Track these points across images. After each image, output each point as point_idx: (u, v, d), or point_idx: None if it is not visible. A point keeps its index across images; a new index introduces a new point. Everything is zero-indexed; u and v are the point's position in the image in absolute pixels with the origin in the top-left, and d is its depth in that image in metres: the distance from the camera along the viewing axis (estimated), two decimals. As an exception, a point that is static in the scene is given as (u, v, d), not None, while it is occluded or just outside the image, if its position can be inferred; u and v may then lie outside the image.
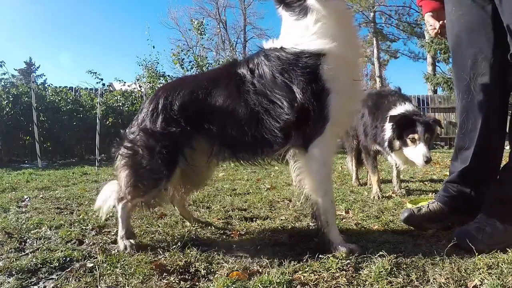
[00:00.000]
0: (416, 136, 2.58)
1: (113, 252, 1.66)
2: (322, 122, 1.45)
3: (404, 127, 2.62)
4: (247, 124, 1.54)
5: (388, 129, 2.74)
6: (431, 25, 2.11)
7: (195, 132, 1.66)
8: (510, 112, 1.73)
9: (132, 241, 1.69)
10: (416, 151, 2.58)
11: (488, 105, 1.80)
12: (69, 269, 1.45)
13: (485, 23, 1.75)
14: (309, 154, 1.50)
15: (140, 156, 1.66)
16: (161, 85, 8.23)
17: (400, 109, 2.76)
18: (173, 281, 1.32)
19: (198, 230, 2.01)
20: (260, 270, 1.39)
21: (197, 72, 10.06)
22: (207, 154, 1.71)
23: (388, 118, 2.71)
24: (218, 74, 1.77)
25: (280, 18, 1.62)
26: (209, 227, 2.07)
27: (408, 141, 2.62)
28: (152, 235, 1.90)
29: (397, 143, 2.71)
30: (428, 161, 2.56)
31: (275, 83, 1.49)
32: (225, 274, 1.36)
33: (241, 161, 1.71)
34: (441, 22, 2.05)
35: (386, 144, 2.79)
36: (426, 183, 3.68)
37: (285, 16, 1.57)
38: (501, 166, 1.86)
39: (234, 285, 1.25)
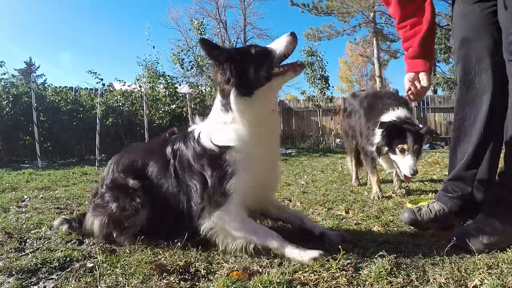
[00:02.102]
0: (405, 146, 2.57)
1: (113, 251, 1.66)
2: (222, 200, 1.58)
3: (394, 135, 2.61)
4: (172, 200, 1.73)
5: (377, 135, 2.73)
6: (406, 88, 2.00)
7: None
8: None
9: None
10: (404, 162, 2.58)
11: (490, 101, 1.80)
12: (69, 269, 1.45)
13: (490, 21, 1.75)
14: (217, 218, 1.59)
15: (109, 206, 1.79)
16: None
17: (392, 115, 2.74)
18: (173, 281, 1.32)
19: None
20: (260, 270, 1.39)
21: (197, 72, 10.09)
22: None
23: (378, 123, 2.69)
24: (154, 148, 1.94)
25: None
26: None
27: (397, 150, 2.61)
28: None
29: (385, 149, 2.70)
30: (414, 173, 2.55)
31: (190, 170, 1.69)
32: (225, 274, 1.36)
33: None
34: (416, 87, 1.93)
35: (374, 148, 2.80)
36: (426, 183, 3.68)
37: (217, 101, 1.68)
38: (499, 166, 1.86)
39: (234, 285, 1.25)
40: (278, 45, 1.61)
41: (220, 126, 1.62)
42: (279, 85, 1.68)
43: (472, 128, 1.86)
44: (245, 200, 1.62)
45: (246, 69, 1.56)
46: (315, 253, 1.45)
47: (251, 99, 1.55)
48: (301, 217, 1.84)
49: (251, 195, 1.65)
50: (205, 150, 1.64)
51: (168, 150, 1.79)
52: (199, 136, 1.69)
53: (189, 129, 1.78)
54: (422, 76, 1.88)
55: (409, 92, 1.98)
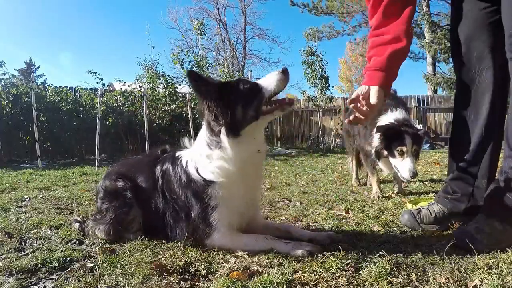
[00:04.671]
0: (404, 148, 2.55)
1: (113, 251, 1.66)
2: (210, 224, 1.65)
3: (392, 138, 2.60)
4: (159, 216, 1.79)
5: (375, 139, 2.72)
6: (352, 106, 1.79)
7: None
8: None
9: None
10: (403, 164, 2.56)
11: (490, 100, 1.80)
12: (69, 269, 1.45)
13: (489, 20, 1.75)
14: (209, 244, 1.65)
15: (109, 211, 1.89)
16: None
17: (390, 117, 2.72)
18: (173, 281, 1.32)
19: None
20: (260, 270, 1.39)
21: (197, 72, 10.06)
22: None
23: (376, 127, 2.67)
24: (144, 164, 1.98)
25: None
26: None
27: (396, 153, 2.60)
28: (152, 235, 1.90)
29: (384, 153, 2.69)
30: (414, 176, 2.54)
31: (176, 195, 1.73)
32: (225, 274, 1.36)
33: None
34: (362, 104, 1.75)
35: (373, 151, 2.78)
36: (426, 183, 3.68)
37: (203, 133, 1.67)
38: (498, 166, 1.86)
39: (234, 285, 1.24)
40: (268, 82, 1.57)
41: (205, 160, 1.63)
42: (266, 122, 1.67)
43: (473, 127, 1.85)
44: (229, 226, 1.67)
45: (234, 108, 1.54)
46: (307, 246, 1.56)
47: (237, 139, 1.55)
48: (287, 229, 1.84)
49: (233, 223, 1.69)
50: (190, 181, 1.67)
51: (158, 169, 1.83)
52: (186, 164, 1.70)
53: (177, 153, 1.80)
54: (375, 92, 1.70)
55: (353, 115, 1.77)
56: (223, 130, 1.55)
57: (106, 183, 1.93)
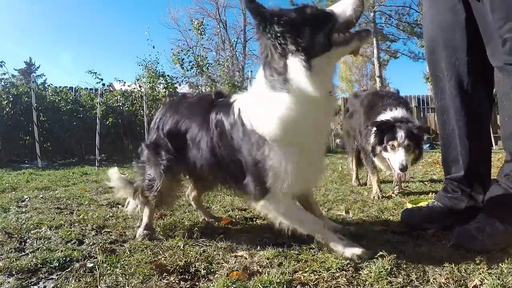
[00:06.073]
0: (395, 143, 2.56)
1: (113, 251, 1.66)
2: (265, 188, 1.52)
3: (385, 133, 2.63)
4: (212, 169, 1.73)
5: (372, 134, 2.74)
6: None
7: (178, 159, 1.87)
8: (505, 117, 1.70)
9: (146, 231, 1.88)
10: (394, 158, 2.57)
11: (464, 105, 1.80)
12: (69, 269, 1.45)
13: (458, 22, 1.74)
14: (262, 207, 1.60)
15: (145, 165, 1.99)
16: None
17: (388, 115, 2.74)
18: (173, 281, 1.32)
19: (199, 230, 2.01)
20: (260, 270, 1.39)
21: (197, 72, 10.08)
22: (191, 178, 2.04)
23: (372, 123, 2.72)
24: (197, 108, 1.86)
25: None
26: (213, 225, 2.08)
27: (388, 147, 2.62)
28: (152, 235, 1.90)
29: (378, 148, 2.71)
30: (403, 169, 2.52)
31: (231, 148, 1.60)
32: (225, 274, 1.36)
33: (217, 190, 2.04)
34: None
35: (369, 148, 2.81)
36: (426, 183, 3.67)
37: (260, 76, 1.45)
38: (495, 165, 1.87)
39: (234, 285, 1.25)
40: (342, 7, 1.31)
41: (266, 104, 1.40)
42: (339, 56, 1.42)
43: (454, 134, 1.86)
44: (285, 192, 1.53)
45: (302, 33, 1.29)
46: (358, 250, 1.47)
47: (310, 72, 1.28)
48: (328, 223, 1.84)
49: (291, 189, 1.53)
50: (246, 134, 1.49)
51: (212, 117, 1.67)
52: (239, 114, 1.52)
53: (232, 100, 1.62)
54: None
55: None
56: (291, 59, 1.28)
57: (157, 136, 1.93)
